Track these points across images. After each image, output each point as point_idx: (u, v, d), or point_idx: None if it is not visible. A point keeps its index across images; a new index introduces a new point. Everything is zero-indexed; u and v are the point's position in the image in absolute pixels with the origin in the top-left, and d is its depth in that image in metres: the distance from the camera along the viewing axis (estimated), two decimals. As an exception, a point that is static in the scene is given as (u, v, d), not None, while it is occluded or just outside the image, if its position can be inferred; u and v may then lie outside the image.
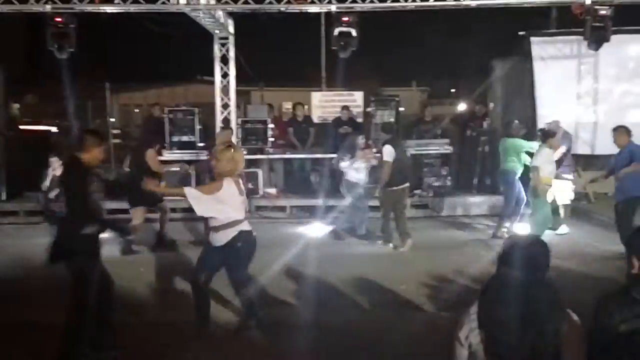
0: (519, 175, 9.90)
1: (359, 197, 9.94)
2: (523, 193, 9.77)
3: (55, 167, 11.67)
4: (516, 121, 10.56)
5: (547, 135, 8.88)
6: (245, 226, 5.68)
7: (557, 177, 9.19)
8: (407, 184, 9.59)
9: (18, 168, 12.25)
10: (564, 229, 10.01)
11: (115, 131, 14.18)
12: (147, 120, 14.79)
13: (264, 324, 5.86)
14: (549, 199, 8.81)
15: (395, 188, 9.33)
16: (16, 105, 14.74)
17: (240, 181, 5.77)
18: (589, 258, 8.65)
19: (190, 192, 5.63)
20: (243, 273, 5.75)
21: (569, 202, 10.29)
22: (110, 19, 10.89)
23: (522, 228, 9.48)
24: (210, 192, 5.55)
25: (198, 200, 5.50)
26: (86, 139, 5.22)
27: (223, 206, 5.53)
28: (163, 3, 10.42)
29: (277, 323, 6.11)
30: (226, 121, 12.56)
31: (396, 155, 9.28)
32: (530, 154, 9.46)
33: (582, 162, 12.34)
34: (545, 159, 8.69)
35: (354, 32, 10.52)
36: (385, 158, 9.31)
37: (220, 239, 5.59)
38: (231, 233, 5.56)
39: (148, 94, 17.03)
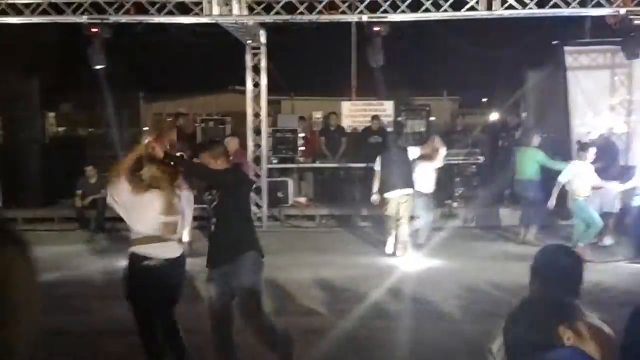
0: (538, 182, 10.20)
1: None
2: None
3: (91, 175, 11.89)
4: (535, 131, 10.67)
5: (579, 149, 9.26)
6: (143, 249, 4.57)
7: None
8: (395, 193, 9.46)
9: (53, 175, 12.49)
10: (607, 240, 9.95)
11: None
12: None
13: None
14: (587, 208, 9.04)
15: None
16: (51, 114, 15.05)
17: (170, 197, 4.72)
18: (623, 271, 8.51)
19: None
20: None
21: (613, 211, 10.15)
22: (144, 29, 11.07)
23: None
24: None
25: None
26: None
27: (119, 208, 4.66)
28: (196, 14, 10.56)
29: (306, 332, 6.12)
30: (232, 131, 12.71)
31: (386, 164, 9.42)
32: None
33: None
34: (574, 172, 8.98)
35: (384, 42, 10.55)
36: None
37: None
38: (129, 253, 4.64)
39: (180, 103, 17.27)
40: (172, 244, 4.70)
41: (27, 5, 10.55)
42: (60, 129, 15.55)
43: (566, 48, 12.42)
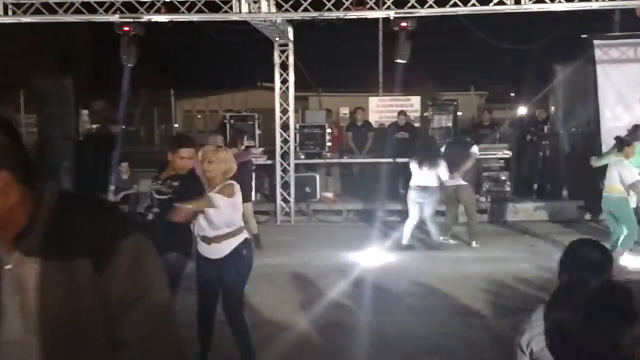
0: None
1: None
2: None
3: (124, 171, 12.13)
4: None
5: (622, 144, 8.27)
6: (247, 233, 5.12)
7: None
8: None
9: (86, 171, 12.75)
10: None
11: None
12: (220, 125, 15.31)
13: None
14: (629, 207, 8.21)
15: None
16: (85, 112, 15.34)
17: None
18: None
19: (215, 199, 4.72)
20: (241, 291, 5.05)
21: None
22: (174, 27, 11.25)
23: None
24: (229, 197, 4.80)
25: (220, 209, 4.74)
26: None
27: (235, 212, 4.91)
28: (225, 12, 10.71)
29: (334, 325, 6.22)
30: (221, 126, 12.83)
31: None
32: None
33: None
34: (615, 162, 8.19)
35: (412, 37, 10.58)
36: None
37: (222, 249, 4.86)
38: (236, 241, 4.87)
39: (210, 100, 17.50)
40: None
41: (60, 4, 10.80)
42: (94, 126, 15.82)
43: (595, 42, 12.29)
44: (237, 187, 4.89)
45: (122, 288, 1.61)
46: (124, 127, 15.97)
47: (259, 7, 10.66)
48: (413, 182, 9.67)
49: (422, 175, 9.54)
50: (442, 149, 10.26)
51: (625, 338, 2.50)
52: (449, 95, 16.70)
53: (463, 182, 9.96)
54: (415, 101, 15.01)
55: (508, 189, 12.32)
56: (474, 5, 10.31)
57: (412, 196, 9.66)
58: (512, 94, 21.90)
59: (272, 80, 12.54)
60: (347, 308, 6.86)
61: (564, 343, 2.70)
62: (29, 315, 1.61)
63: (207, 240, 4.87)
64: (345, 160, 13.51)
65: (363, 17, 11.23)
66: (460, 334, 6.01)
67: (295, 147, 12.61)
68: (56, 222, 1.63)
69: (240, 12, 10.62)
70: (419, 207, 9.63)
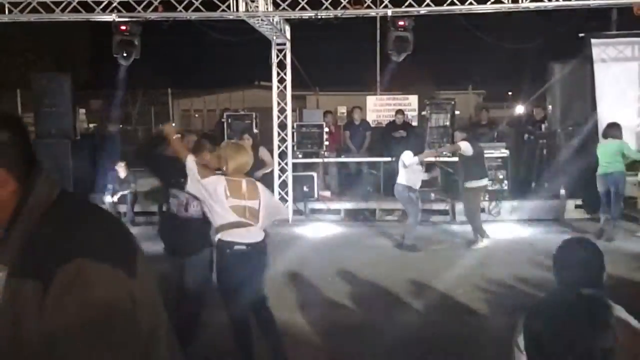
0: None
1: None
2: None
3: (121, 171, 12.11)
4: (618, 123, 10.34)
5: None
6: (229, 236, 4.74)
7: None
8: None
9: (84, 171, 12.73)
10: None
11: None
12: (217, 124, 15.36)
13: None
14: None
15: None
16: (82, 111, 15.33)
17: (244, 185, 4.87)
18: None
19: (191, 161, 4.80)
20: (227, 290, 4.84)
21: None
22: (171, 26, 11.23)
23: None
24: (200, 176, 4.75)
25: (193, 173, 4.76)
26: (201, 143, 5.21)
27: (207, 195, 4.74)
28: (223, 11, 10.69)
29: (333, 325, 6.22)
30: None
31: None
32: None
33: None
34: None
35: (409, 36, 10.57)
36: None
37: None
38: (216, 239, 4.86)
39: (207, 100, 17.53)
40: (254, 228, 4.85)
41: (57, 3, 10.77)
42: (91, 125, 15.82)
43: (593, 40, 12.32)
44: (219, 179, 4.77)
45: (53, 316, 1.41)
46: (121, 126, 15.95)
47: (257, 6, 10.64)
48: None
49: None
50: (466, 148, 9.76)
51: (596, 350, 2.52)
52: (446, 94, 16.73)
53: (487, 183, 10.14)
54: (412, 100, 15.01)
55: (506, 187, 12.33)
56: (471, 4, 10.30)
57: None
58: (510, 93, 21.98)
59: (269, 79, 12.53)
60: (346, 308, 6.86)
61: (537, 353, 2.73)
62: None
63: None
64: (343, 159, 13.51)
65: (361, 15, 11.22)
66: (459, 333, 6.01)
67: (293, 146, 12.61)
68: (37, 229, 1.48)
69: (237, 10, 10.60)
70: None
